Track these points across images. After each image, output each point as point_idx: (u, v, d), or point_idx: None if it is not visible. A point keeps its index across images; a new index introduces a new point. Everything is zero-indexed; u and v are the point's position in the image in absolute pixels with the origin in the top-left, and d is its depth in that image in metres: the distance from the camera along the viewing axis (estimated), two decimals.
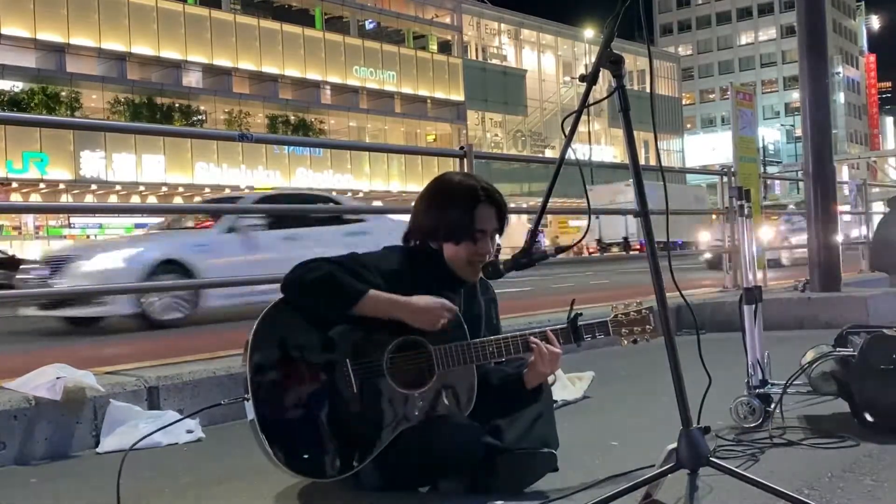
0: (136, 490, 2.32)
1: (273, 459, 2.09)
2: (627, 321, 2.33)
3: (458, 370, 2.21)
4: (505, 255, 2.29)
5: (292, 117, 39.68)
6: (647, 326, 2.31)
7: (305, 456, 2.11)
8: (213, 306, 8.39)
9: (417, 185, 39.94)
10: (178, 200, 35.73)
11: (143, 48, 35.58)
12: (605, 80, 2.11)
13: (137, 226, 37.06)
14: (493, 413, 2.29)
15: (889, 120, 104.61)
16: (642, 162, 2.11)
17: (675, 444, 1.94)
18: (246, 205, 9.84)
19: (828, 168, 6.23)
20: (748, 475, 1.94)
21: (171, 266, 8.07)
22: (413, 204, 2.42)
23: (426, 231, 2.34)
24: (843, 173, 32.44)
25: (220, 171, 36.23)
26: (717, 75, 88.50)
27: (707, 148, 70.26)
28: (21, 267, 10.25)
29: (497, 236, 2.36)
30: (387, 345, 2.16)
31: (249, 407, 2.10)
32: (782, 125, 76.53)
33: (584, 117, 2.12)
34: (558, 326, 2.32)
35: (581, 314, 2.32)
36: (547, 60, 56.32)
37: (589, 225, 2.40)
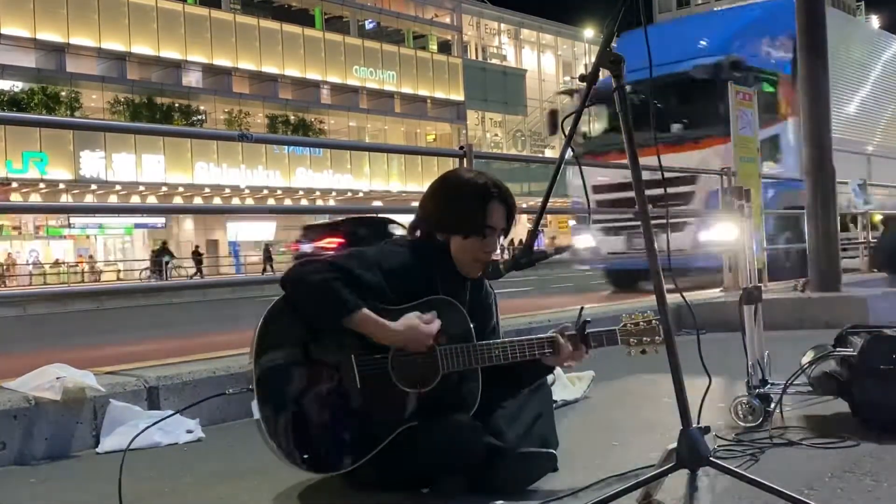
0: (136, 490, 2.32)
1: (276, 453, 2.09)
2: (636, 331, 2.34)
3: (462, 371, 2.21)
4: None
5: (292, 117, 39.68)
6: (656, 337, 2.33)
7: (308, 450, 2.11)
8: None
9: (417, 185, 40.17)
10: (177, 200, 35.74)
11: (143, 48, 35.57)
12: None
13: (137, 226, 37.19)
14: (503, 390, 2.31)
15: None
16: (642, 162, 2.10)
17: (675, 444, 1.94)
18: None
19: (828, 168, 6.23)
20: (748, 475, 1.94)
21: None
22: (422, 195, 2.42)
23: (435, 221, 2.34)
24: None
25: (220, 171, 36.22)
26: None
27: None
28: None
29: (503, 237, 2.37)
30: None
31: (254, 403, 2.11)
32: None
33: (584, 117, 2.12)
34: (567, 334, 2.33)
35: (589, 321, 2.33)
36: (547, 60, 56.30)
37: (589, 225, 2.40)
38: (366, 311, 2.12)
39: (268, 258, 32.27)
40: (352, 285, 2.13)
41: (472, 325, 2.25)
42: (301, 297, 2.14)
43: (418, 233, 2.39)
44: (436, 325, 2.18)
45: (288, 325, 2.16)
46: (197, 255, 32.68)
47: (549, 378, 2.48)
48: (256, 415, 2.11)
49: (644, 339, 2.33)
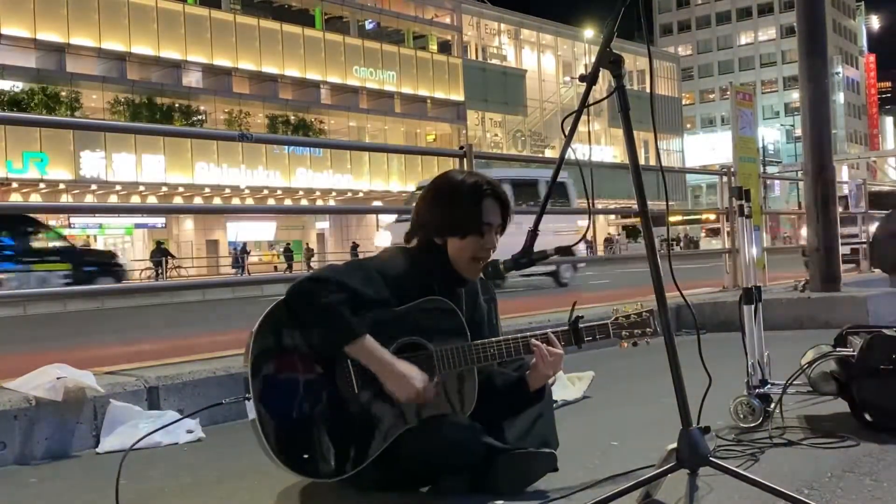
0: (136, 490, 2.32)
1: (274, 459, 2.09)
2: (628, 323, 2.32)
3: (458, 371, 2.21)
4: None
5: (292, 117, 39.67)
6: (648, 329, 2.31)
7: (305, 456, 2.11)
8: None
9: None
10: (177, 200, 35.73)
11: (143, 48, 35.56)
12: (604, 80, 2.11)
13: (137, 226, 37.20)
14: (498, 415, 2.30)
15: (889, 120, 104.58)
16: (642, 162, 2.11)
17: (675, 444, 1.94)
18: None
19: (828, 168, 6.23)
20: (748, 475, 1.94)
21: None
22: (415, 202, 2.41)
23: (432, 227, 2.33)
24: (843, 173, 32.36)
25: (220, 171, 36.21)
26: (716, 75, 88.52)
27: (707, 148, 70.23)
28: None
29: (499, 234, 2.36)
30: (388, 346, 2.15)
31: (250, 406, 2.10)
32: (782, 125, 76.52)
33: (584, 117, 2.12)
34: (559, 328, 2.32)
35: (582, 316, 2.32)
36: (547, 60, 56.30)
37: (589, 225, 2.40)
38: (368, 340, 2.10)
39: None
40: (358, 307, 2.12)
41: (467, 326, 2.25)
42: (308, 315, 2.12)
43: (415, 241, 2.37)
44: (430, 391, 2.15)
45: (285, 329, 2.15)
46: (159, 254, 29.35)
47: (550, 378, 2.48)
48: (251, 415, 2.11)
49: (636, 331, 2.31)
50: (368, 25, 46.28)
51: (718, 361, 2.37)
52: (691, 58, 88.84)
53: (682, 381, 1.94)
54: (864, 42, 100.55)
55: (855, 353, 2.76)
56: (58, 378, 2.94)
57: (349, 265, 2.27)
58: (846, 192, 10.91)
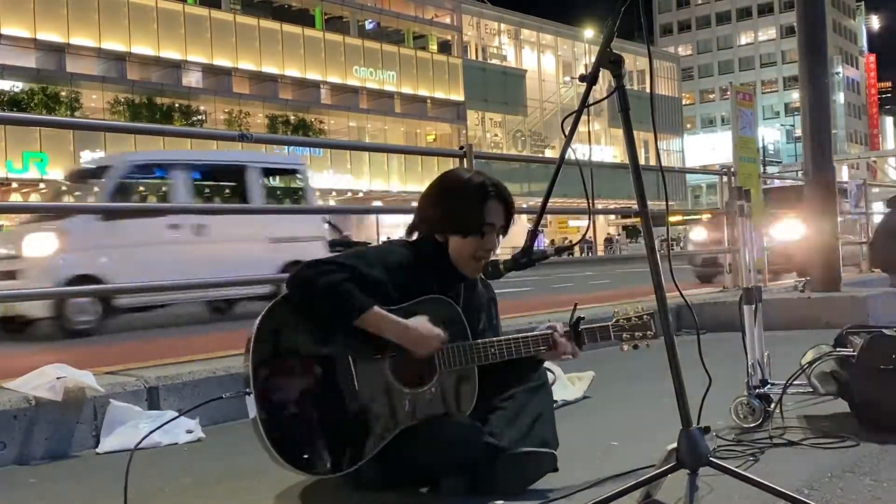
0: (136, 490, 2.31)
1: (274, 455, 2.09)
2: (629, 326, 2.33)
3: (459, 370, 2.21)
4: (505, 255, 2.29)
5: (292, 117, 39.66)
6: (648, 332, 2.32)
7: (306, 452, 2.10)
8: None
9: (417, 185, 40.20)
10: None
11: (143, 48, 35.56)
12: (605, 80, 2.11)
13: None
14: (495, 385, 2.30)
15: (889, 120, 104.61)
16: (642, 162, 2.11)
17: (675, 444, 1.94)
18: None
19: (828, 168, 6.23)
20: (748, 475, 1.94)
21: None
22: (420, 197, 2.41)
23: (433, 223, 2.33)
24: (843, 173, 32.40)
25: None
26: (717, 75, 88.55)
27: (707, 148, 70.19)
28: None
29: (502, 235, 2.36)
30: (390, 342, 2.16)
31: (251, 403, 2.10)
32: (782, 125, 76.52)
33: (584, 117, 2.12)
34: (561, 331, 2.33)
35: (583, 318, 2.32)
36: (547, 60, 56.30)
37: (589, 225, 2.40)
38: (377, 308, 2.12)
39: None
40: (360, 284, 2.13)
41: (467, 325, 2.25)
42: (312, 299, 2.12)
43: (416, 234, 2.38)
44: (444, 333, 2.18)
45: (285, 325, 2.15)
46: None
47: (550, 377, 2.48)
48: (252, 414, 2.11)
49: (636, 334, 2.33)
50: (368, 25, 46.28)
51: (718, 361, 2.37)
52: (691, 58, 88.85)
53: (682, 382, 1.94)
54: (864, 42, 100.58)
55: (855, 353, 2.76)
56: (58, 378, 2.94)
57: (347, 253, 2.28)
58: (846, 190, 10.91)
